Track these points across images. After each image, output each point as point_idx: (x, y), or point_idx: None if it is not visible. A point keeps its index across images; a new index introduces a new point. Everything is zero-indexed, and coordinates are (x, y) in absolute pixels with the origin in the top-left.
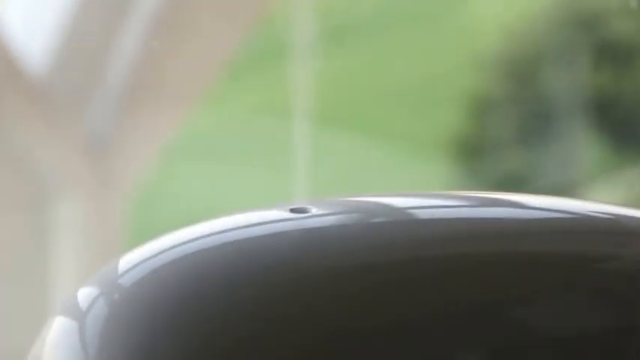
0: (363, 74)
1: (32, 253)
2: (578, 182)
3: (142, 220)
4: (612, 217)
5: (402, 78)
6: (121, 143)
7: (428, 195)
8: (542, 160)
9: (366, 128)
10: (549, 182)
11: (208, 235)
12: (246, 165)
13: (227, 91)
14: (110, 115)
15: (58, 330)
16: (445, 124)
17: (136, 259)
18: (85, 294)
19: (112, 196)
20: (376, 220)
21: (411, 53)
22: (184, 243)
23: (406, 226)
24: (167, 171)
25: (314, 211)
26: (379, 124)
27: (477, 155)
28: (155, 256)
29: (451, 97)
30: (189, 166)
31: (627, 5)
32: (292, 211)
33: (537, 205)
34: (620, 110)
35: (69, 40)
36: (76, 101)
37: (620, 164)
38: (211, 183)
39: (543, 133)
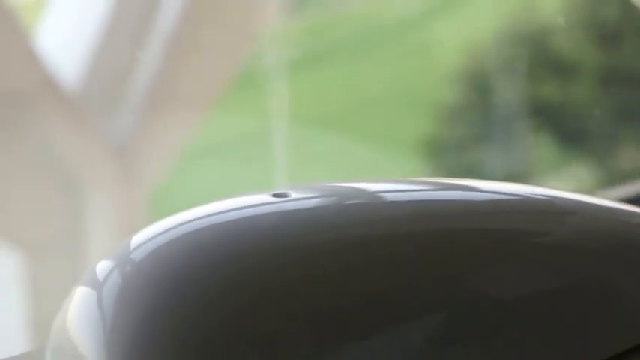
0: (347, 86)
1: (69, 235)
2: (528, 176)
3: (160, 208)
4: (550, 198)
5: (379, 89)
6: (143, 144)
7: (395, 181)
8: (497, 158)
9: (350, 131)
10: (503, 176)
11: (204, 217)
12: (245, 163)
13: (232, 100)
14: (133, 120)
15: (80, 298)
16: (415, 127)
17: (145, 237)
18: (102, 267)
19: (135, 188)
20: (347, 202)
21: (387, 69)
22: (185, 223)
23: (375, 207)
24: (181, 168)
25: (293, 195)
26: (360, 127)
27: (441, 153)
28: (160, 234)
29: (420, 104)
30: (199, 163)
31: (565, 26)
32: (274, 195)
33: (488, 189)
34: (564, 115)
35: (98, 56)
36: (104, 108)
37: (565, 161)
38: (217, 178)
39: (497, 134)
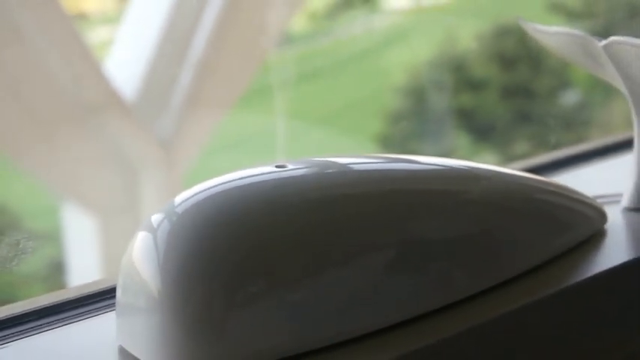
0: (328, 95)
1: (128, 201)
2: None
3: (193, 183)
4: (468, 167)
5: (349, 98)
6: (181, 137)
7: (361, 156)
8: (429, 147)
9: (331, 127)
10: None
11: (227, 182)
12: (256, 149)
13: (246, 104)
14: (174, 120)
15: (140, 240)
16: (374, 125)
17: (185, 196)
18: (156, 217)
19: (175, 168)
20: (328, 170)
21: (355, 84)
22: (213, 187)
23: (349, 174)
24: (208, 153)
25: (290, 166)
26: (338, 124)
27: (391, 143)
28: (196, 194)
29: (377, 109)
30: (222, 150)
31: (477, 53)
32: (277, 166)
33: (425, 161)
34: (476, 117)
35: (148, 76)
36: (153, 112)
37: (477, 150)
38: (234, 160)
39: (429, 131)
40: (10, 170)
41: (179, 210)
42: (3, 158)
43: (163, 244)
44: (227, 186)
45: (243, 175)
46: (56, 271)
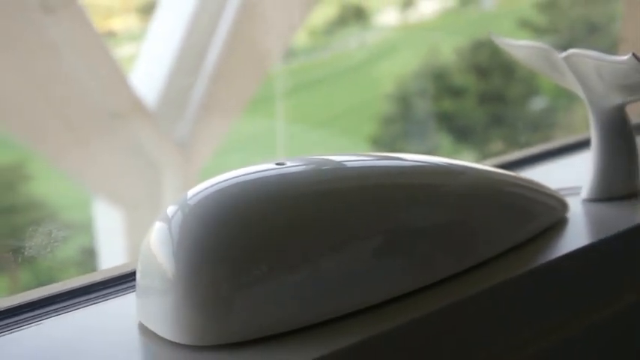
0: (325, 102)
1: (151, 195)
2: None
3: (207, 178)
4: (448, 163)
5: (345, 104)
6: (196, 139)
7: (353, 154)
8: (415, 147)
9: (327, 129)
10: None
11: (233, 178)
12: (261, 149)
13: (253, 110)
14: (190, 124)
15: (156, 229)
16: (367, 128)
17: (196, 190)
18: (170, 209)
19: (192, 168)
20: (323, 167)
21: (350, 91)
22: (220, 182)
23: (341, 169)
24: (220, 153)
25: (288, 163)
26: (334, 127)
27: (382, 145)
28: (206, 189)
29: (369, 114)
30: (231, 149)
31: (456, 64)
32: (277, 164)
33: (409, 158)
34: (456, 121)
35: (167, 86)
36: (172, 117)
37: (457, 150)
38: (242, 159)
39: (415, 133)
40: (48, 170)
41: (191, 203)
42: (42, 159)
43: (177, 233)
44: (232, 181)
45: (247, 172)
46: (88, 257)
